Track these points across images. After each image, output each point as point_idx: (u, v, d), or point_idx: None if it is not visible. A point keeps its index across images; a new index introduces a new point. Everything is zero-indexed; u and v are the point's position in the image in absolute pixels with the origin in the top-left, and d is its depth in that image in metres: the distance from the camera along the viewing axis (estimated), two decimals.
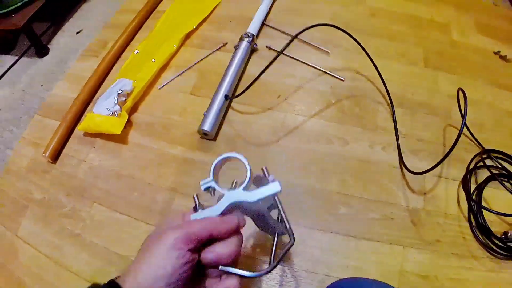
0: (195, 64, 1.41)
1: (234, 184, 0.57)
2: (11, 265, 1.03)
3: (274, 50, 1.41)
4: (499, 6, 1.75)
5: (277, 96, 1.27)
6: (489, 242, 0.95)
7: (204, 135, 1.17)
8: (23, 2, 1.70)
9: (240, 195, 0.50)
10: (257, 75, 1.06)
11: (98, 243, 1.03)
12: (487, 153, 1.10)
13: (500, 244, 0.94)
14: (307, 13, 1.60)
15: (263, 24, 1.51)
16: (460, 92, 1.02)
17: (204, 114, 1.16)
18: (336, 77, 1.31)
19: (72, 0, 2.08)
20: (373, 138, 1.16)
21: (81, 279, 0.98)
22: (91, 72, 1.43)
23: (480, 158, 1.09)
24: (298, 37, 1.07)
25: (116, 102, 1.23)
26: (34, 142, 1.28)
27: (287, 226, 0.53)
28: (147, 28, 1.64)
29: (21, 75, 1.71)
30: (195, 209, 0.50)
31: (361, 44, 1.21)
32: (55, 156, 1.21)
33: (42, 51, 1.77)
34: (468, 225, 0.99)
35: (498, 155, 1.11)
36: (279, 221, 0.55)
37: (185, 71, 1.39)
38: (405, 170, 1.06)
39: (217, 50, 1.45)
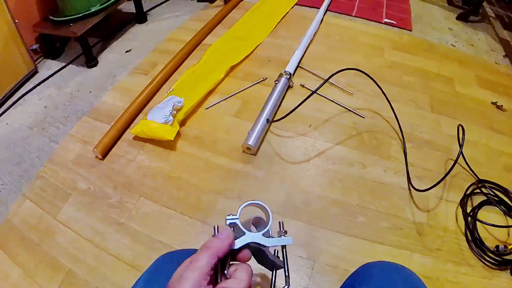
0: (239, 92, 1.69)
1: (250, 222, 0.57)
2: (46, 245, 1.17)
3: (307, 88, 1.71)
4: (500, 64, 2.05)
5: (309, 125, 1.54)
6: (483, 254, 1.15)
7: (247, 149, 1.41)
8: (83, 14, 1.89)
9: (259, 238, 0.51)
10: (295, 107, 1.33)
11: (142, 231, 1.19)
12: (481, 182, 1.34)
13: (492, 255, 1.15)
14: (334, 60, 1.92)
15: (297, 66, 1.81)
16: (460, 127, 1.27)
17: (248, 132, 1.41)
18: (358, 114, 1.60)
19: (122, 23, 2.35)
20: (386, 165, 1.41)
21: (121, 262, 1.12)
22: (140, 87, 1.68)
23: (476, 186, 1.33)
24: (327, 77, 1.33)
25: (170, 113, 1.45)
26: (83, 140, 1.49)
27: (287, 271, 0.53)
28: (194, 57, 1.93)
29: (69, 80, 1.87)
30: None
31: (381, 87, 1.49)
32: (105, 153, 1.42)
33: (91, 62, 1.96)
34: (464, 238, 1.20)
35: (491, 185, 1.34)
36: (277, 256, 0.55)
37: (230, 96, 1.67)
38: (412, 191, 1.30)
39: (258, 83, 1.74)
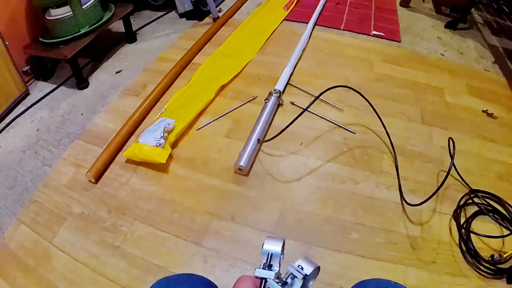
0: (230, 111, 1.71)
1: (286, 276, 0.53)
2: (43, 269, 1.16)
3: (297, 106, 1.73)
4: (489, 71, 2.09)
5: (300, 143, 1.56)
6: (478, 264, 1.17)
7: (239, 170, 1.43)
8: (73, 36, 1.92)
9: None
10: (286, 125, 1.36)
11: (137, 254, 1.20)
12: (474, 192, 1.36)
13: (488, 265, 1.16)
14: (324, 76, 1.95)
15: (287, 83, 1.85)
16: (450, 140, 1.29)
17: (240, 153, 1.43)
18: (348, 130, 1.62)
19: (112, 43, 2.38)
20: (378, 180, 1.43)
21: (117, 285, 1.12)
22: (131, 108, 1.71)
23: (468, 197, 1.35)
24: (317, 94, 1.35)
25: (162, 135, 1.47)
26: (75, 163, 1.51)
27: None
28: (184, 77, 1.97)
29: (60, 102, 1.87)
30: (264, 267, 0.52)
31: (370, 101, 1.52)
32: (98, 177, 1.43)
33: (82, 84, 1.97)
34: (459, 250, 1.22)
35: (484, 195, 1.37)
36: None
37: (221, 116, 1.69)
38: (405, 205, 1.33)
39: (248, 102, 1.76)
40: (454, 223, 1.28)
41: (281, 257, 0.55)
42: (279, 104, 1.71)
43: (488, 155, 1.54)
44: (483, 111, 1.76)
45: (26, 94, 1.93)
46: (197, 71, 1.97)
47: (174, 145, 1.55)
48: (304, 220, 1.30)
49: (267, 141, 1.45)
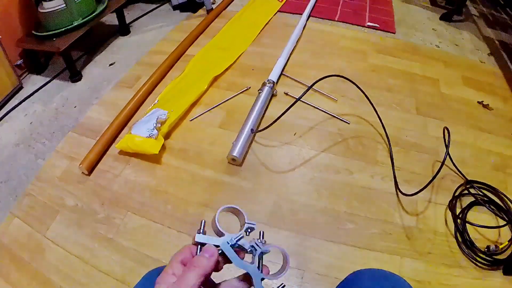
0: (223, 102, 1.69)
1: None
2: (36, 263, 1.14)
3: (291, 96, 1.70)
4: (485, 63, 2.07)
5: (294, 134, 1.54)
6: (474, 255, 1.15)
7: (232, 160, 1.40)
8: (66, 28, 1.89)
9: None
10: (278, 116, 1.33)
11: (130, 246, 1.19)
12: (470, 183, 1.34)
13: (484, 256, 1.15)
14: (318, 67, 1.92)
15: (281, 74, 1.81)
16: (445, 130, 1.27)
17: (232, 143, 1.41)
18: (343, 120, 1.60)
19: (106, 35, 2.35)
20: (373, 170, 1.41)
21: (111, 278, 1.11)
22: (124, 101, 1.68)
23: (464, 187, 1.33)
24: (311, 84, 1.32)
25: (155, 126, 1.45)
26: (69, 156, 1.48)
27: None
28: (177, 68, 1.94)
29: (54, 95, 1.85)
30: (199, 232, 0.50)
31: (365, 93, 1.50)
32: (91, 169, 1.41)
33: (75, 77, 1.94)
34: (455, 240, 1.20)
35: (480, 185, 1.35)
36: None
37: (214, 107, 1.66)
38: (400, 196, 1.30)
39: (241, 92, 1.73)
40: (450, 213, 1.26)
41: (249, 226, 0.53)
42: (272, 95, 1.68)
43: (483, 146, 1.52)
44: (478, 102, 1.74)
45: (19, 88, 1.90)
46: (191, 62, 1.94)
47: (167, 136, 1.52)
48: (299, 211, 1.27)
49: (260, 131, 1.42)
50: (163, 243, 1.19)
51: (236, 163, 1.40)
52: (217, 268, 0.48)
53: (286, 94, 1.72)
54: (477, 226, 1.20)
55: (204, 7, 2.46)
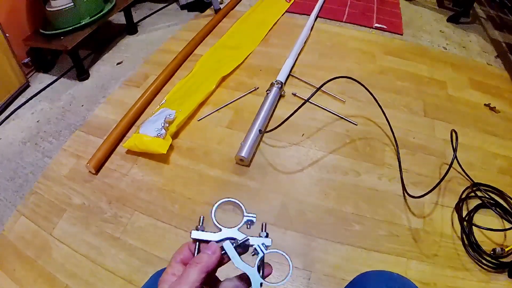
0: (231, 102, 1.70)
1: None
2: (43, 261, 1.16)
3: (299, 97, 1.71)
4: (492, 65, 2.07)
5: (302, 134, 1.55)
6: (480, 258, 1.16)
7: (240, 161, 1.41)
8: (74, 27, 1.91)
9: (235, 233, 0.51)
10: (287, 116, 1.33)
11: (137, 246, 1.20)
12: (476, 186, 1.35)
13: (490, 259, 1.15)
14: (326, 68, 1.93)
15: (289, 74, 1.82)
16: (453, 133, 1.27)
17: (241, 144, 1.42)
18: (351, 122, 1.61)
19: (113, 34, 2.36)
20: (381, 172, 1.42)
21: (118, 277, 1.12)
22: (132, 99, 1.69)
23: (471, 190, 1.34)
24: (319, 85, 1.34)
25: (163, 126, 1.46)
26: (76, 154, 1.50)
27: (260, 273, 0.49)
28: (185, 68, 1.95)
29: (61, 93, 1.87)
30: (197, 228, 0.51)
31: (373, 93, 1.50)
32: (98, 168, 1.42)
33: (83, 75, 1.96)
34: (461, 243, 1.21)
35: (486, 188, 1.35)
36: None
37: (222, 107, 1.67)
38: (407, 198, 1.31)
39: (250, 92, 1.75)
40: (456, 216, 1.27)
41: (248, 219, 0.53)
42: (280, 95, 1.69)
43: (490, 149, 1.53)
44: (485, 104, 1.74)
45: (26, 86, 1.92)
46: (198, 62, 1.95)
47: (175, 136, 1.53)
48: (306, 212, 1.28)
49: (268, 131, 1.43)
50: (170, 242, 1.20)
51: (244, 163, 1.41)
52: (221, 262, 0.49)
53: (294, 95, 1.73)
54: (483, 228, 1.20)
55: (212, 6, 2.47)
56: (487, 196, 1.32)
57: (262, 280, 0.48)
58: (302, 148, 1.50)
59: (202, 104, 1.68)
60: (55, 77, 2.00)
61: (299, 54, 2.00)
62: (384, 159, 1.46)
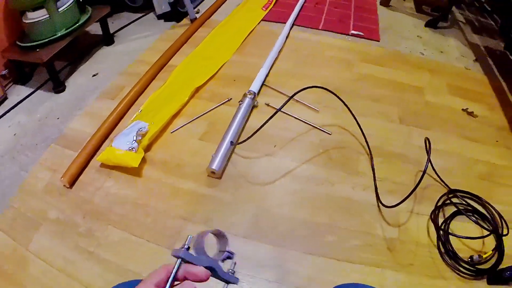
0: (204, 114, 1.67)
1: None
2: (20, 276, 1.15)
3: (272, 107, 1.69)
4: (470, 69, 2.08)
5: (274, 145, 1.53)
6: (457, 265, 1.14)
7: (211, 173, 1.39)
8: (49, 39, 1.88)
9: (213, 263, 0.51)
10: (258, 127, 1.32)
11: (111, 260, 1.18)
12: (453, 192, 1.34)
13: (467, 266, 1.14)
14: (301, 76, 1.92)
15: (263, 84, 1.81)
16: (426, 141, 1.27)
17: (212, 156, 1.40)
18: (324, 131, 1.59)
19: (90, 45, 2.33)
20: (355, 181, 1.40)
21: None
22: (107, 112, 1.67)
23: (447, 197, 1.33)
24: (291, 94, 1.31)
25: (135, 139, 1.44)
26: (51, 168, 1.47)
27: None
28: (160, 79, 1.93)
29: (38, 106, 1.84)
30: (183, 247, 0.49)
31: (347, 104, 1.50)
32: (72, 182, 1.40)
33: (59, 87, 1.93)
34: (437, 251, 1.19)
35: (464, 195, 1.34)
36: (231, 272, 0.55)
37: (195, 118, 1.65)
38: (381, 207, 1.29)
39: (223, 103, 1.72)
40: (432, 224, 1.26)
41: (228, 255, 0.55)
42: (253, 106, 1.68)
43: (469, 155, 1.52)
44: (463, 109, 1.74)
45: (4, 99, 1.89)
46: (173, 73, 1.93)
47: (147, 149, 1.51)
48: (279, 224, 1.26)
49: (240, 143, 1.41)
50: (143, 256, 1.18)
51: (215, 175, 1.39)
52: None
53: (268, 105, 1.71)
54: (460, 237, 1.19)
55: (188, 16, 2.45)
56: (464, 202, 1.31)
57: None
58: (275, 159, 1.48)
59: (175, 115, 1.66)
60: (32, 89, 1.98)
61: (273, 63, 1.99)
62: (359, 168, 1.44)
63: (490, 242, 1.20)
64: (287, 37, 2.24)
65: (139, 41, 2.37)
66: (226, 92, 1.80)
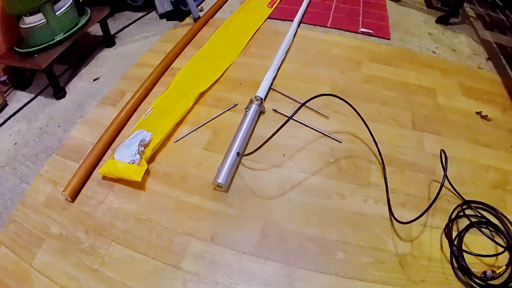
0: (209, 121, 1.64)
1: None
2: None
3: (280, 113, 1.66)
4: (483, 68, 2.02)
5: (283, 155, 1.49)
6: (470, 281, 1.12)
7: (218, 187, 1.36)
8: (48, 44, 1.85)
9: None
10: (267, 139, 1.28)
11: (115, 278, 1.16)
12: (467, 204, 1.30)
13: (480, 282, 1.11)
14: (309, 79, 1.87)
15: (270, 88, 1.77)
16: (442, 153, 1.23)
17: (218, 169, 1.37)
18: (335, 139, 1.55)
19: (90, 47, 2.30)
20: (366, 193, 1.37)
21: None
22: (108, 119, 1.65)
23: (460, 209, 1.29)
24: (301, 102, 1.28)
25: (137, 151, 1.41)
26: (53, 180, 1.45)
27: None
28: (163, 83, 1.89)
29: (38, 113, 1.82)
30: None
31: (357, 109, 1.46)
32: (74, 196, 1.38)
33: (59, 93, 1.91)
34: (450, 267, 1.16)
35: (478, 205, 1.31)
36: None
37: (199, 127, 1.62)
38: (394, 221, 1.26)
39: (228, 110, 1.69)
40: (446, 238, 1.23)
41: None
42: (260, 112, 1.64)
43: (482, 162, 1.48)
44: (476, 112, 1.70)
45: (4, 105, 1.88)
46: (176, 77, 1.89)
47: (151, 159, 1.48)
48: (287, 240, 1.23)
49: (246, 155, 1.38)
50: (147, 274, 1.16)
51: (222, 189, 1.37)
52: None
53: (275, 111, 1.67)
54: (473, 255, 1.17)
55: (191, 15, 2.41)
56: (478, 214, 1.28)
57: None
58: (283, 170, 1.44)
59: (179, 123, 1.63)
60: (32, 95, 1.95)
61: (281, 65, 1.95)
62: (370, 179, 1.41)
63: (504, 255, 1.18)
64: (294, 36, 2.19)
65: (140, 42, 2.34)
66: (231, 97, 1.77)
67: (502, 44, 2.25)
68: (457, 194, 1.34)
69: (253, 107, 1.58)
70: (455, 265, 1.16)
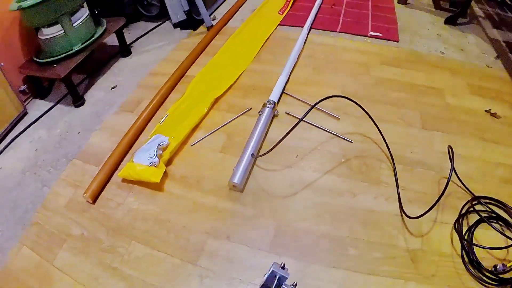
0: (223, 125, 1.69)
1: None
2: None
3: (293, 116, 1.70)
4: (491, 67, 2.04)
5: (295, 156, 1.54)
6: (481, 275, 1.14)
7: (233, 187, 1.41)
8: (66, 54, 1.92)
9: None
10: (280, 139, 1.33)
11: (135, 275, 1.21)
12: (477, 199, 1.33)
13: (491, 275, 1.13)
14: (320, 83, 1.92)
15: (282, 92, 1.82)
16: (449, 149, 1.27)
17: (233, 169, 1.42)
18: (346, 139, 1.59)
19: (107, 57, 2.37)
20: (377, 191, 1.40)
21: None
22: (126, 126, 1.71)
23: (470, 205, 1.32)
24: (312, 104, 1.33)
25: (155, 154, 1.46)
26: (73, 184, 1.51)
27: None
28: (178, 91, 1.95)
29: (58, 121, 1.89)
30: None
31: (367, 111, 1.50)
32: (95, 198, 1.44)
33: (78, 101, 1.98)
34: (461, 261, 1.19)
35: (487, 201, 1.33)
36: None
37: (215, 131, 1.67)
38: (404, 217, 1.29)
39: (242, 114, 1.74)
40: (456, 233, 1.25)
41: None
42: (274, 115, 1.69)
43: (491, 159, 1.51)
44: (485, 110, 1.72)
45: (24, 114, 1.94)
46: (190, 84, 1.96)
47: (168, 163, 1.54)
48: (301, 237, 1.27)
49: (261, 156, 1.43)
50: (166, 272, 1.20)
51: (237, 189, 1.41)
52: None
53: (288, 114, 1.72)
54: (483, 248, 1.19)
55: (204, 24, 2.47)
56: (488, 209, 1.30)
57: None
58: (296, 170, 1.49)
59: (195, 128, 1.69)
60: (52, 104, 2.02)
61: (292, 70, 2.00)
62: (381, 177, 1.45)
63: None
64: (304, 42, 2.24)
65: (156, 51, 2.40)
66: (245, 102, 1.82)
67: (510, 42, 2.26)
68: (466, 190, 1.37)
69: (267, 110, 1.63)
70: (466, 259, 1.18)
